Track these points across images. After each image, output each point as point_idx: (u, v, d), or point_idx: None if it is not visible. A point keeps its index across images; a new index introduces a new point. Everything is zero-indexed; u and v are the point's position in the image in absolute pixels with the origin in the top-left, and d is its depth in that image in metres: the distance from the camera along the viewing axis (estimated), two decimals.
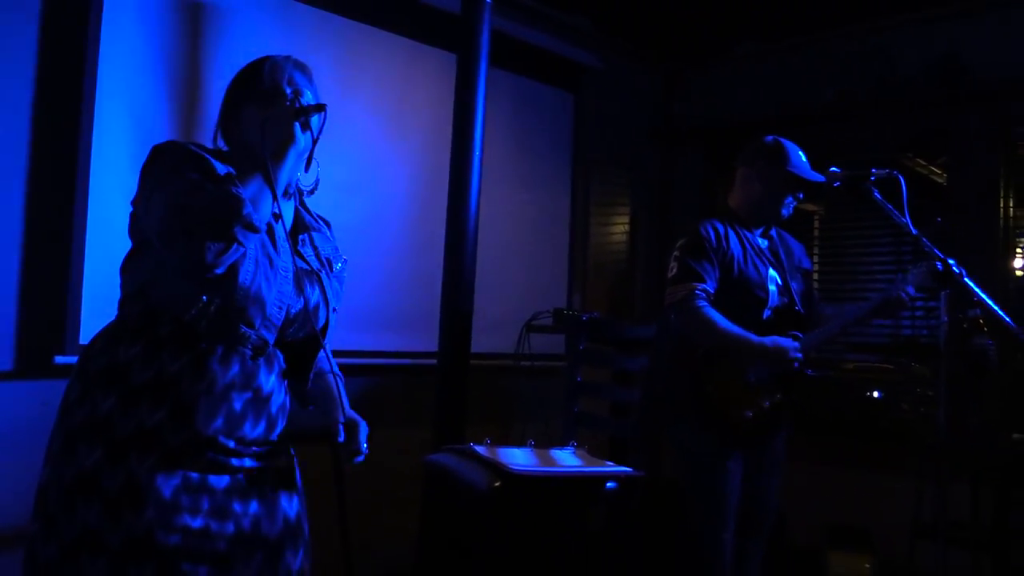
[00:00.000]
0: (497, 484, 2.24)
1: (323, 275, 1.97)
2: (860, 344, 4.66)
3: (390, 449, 4.00)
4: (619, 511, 2.37)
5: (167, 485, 1.70)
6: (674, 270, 3.09)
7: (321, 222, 2.10)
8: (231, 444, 1.78)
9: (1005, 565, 3.51)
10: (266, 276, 1.79)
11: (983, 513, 3.73)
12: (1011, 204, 4.33)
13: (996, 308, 2.62)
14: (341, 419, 1.97)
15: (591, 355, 4.00)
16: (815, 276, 4.79)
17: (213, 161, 1.77)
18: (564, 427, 3.54)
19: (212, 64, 3.42)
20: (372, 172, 3.96)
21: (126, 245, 3.16)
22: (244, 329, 1.78)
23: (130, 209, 1.87)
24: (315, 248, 2.01)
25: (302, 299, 1.88)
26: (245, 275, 1.74)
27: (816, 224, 5.08)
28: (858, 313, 3.15)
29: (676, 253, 3.11)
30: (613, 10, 4.78)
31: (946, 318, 2.68)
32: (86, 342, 3.00)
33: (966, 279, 2.69)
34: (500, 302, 4.25)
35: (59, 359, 3.06)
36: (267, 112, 1.83)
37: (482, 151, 3.48)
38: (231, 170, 1.77)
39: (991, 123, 4.31)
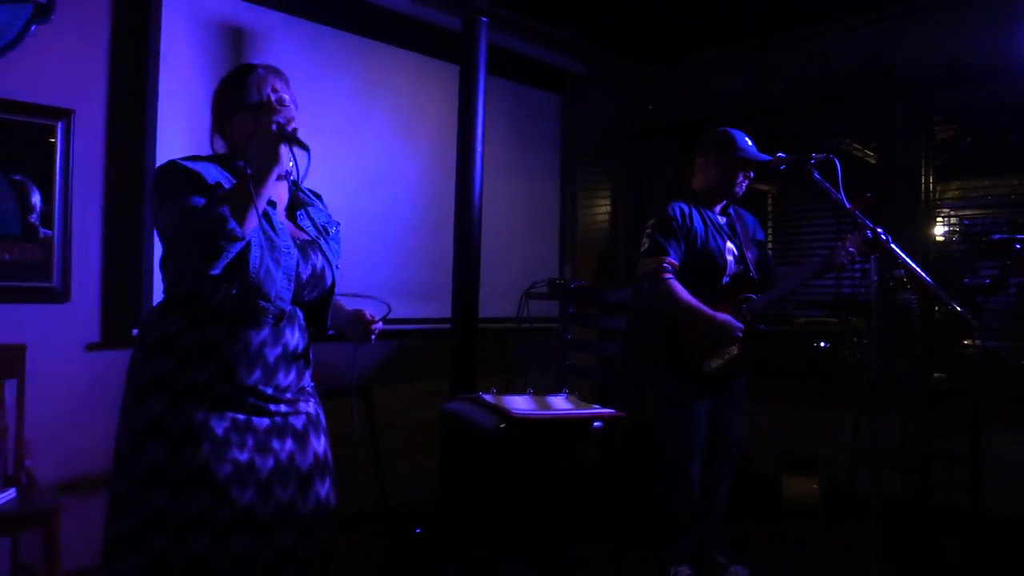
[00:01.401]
0: (502, 426, 2.27)
1: (322, 242, 1.98)
2: (808, 301, 4.70)
3: (412, 400, 4.10)
4: (605, 445, 2.41)
5: (219, 426, 1.77)
6: (646, 245, 3.12)
7: (313, 196, 2.09)
8: (269, 391, 1.84)
9: (928, 482, 3.57)
10: (271, 257, 1.82)
11: (909, 440, 3.79)
12: (931, 181, 4.34)
13: (917, 269, 2.66)
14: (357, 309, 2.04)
15: (580, 317, 4.05)
16: (769, 245, 4.85)
17: (205, 174, 1.78)
18: (558, 377, 3.58)
19: None
20: (390, 167, 3.99)
21: None
22: (262, 303, 1.82)
23: None
24: (312, 220, 2.02)
25: (309, 265, 1.91)
26: (254, 261, 1.77)
27: (769, 201, 5.10)
28: (803, 276, 3.20)
29: (648, 230, 3.14)
30: (594, 23, 4.77)
31: (875, 278, 2.70)
32: None
33: (892, 244, 2.72)
34: (503, 275, 4.28)
35: (136, 331, 3.12)
36: (255, 125, 1.80)
37: (483, 147, 3.50)
38: (220, 178, 1.80)
39: (913, 113, 4.31)
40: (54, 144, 3.01)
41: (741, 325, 3.00)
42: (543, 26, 4.73)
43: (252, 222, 1.71)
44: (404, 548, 3.05)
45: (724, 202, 3.23)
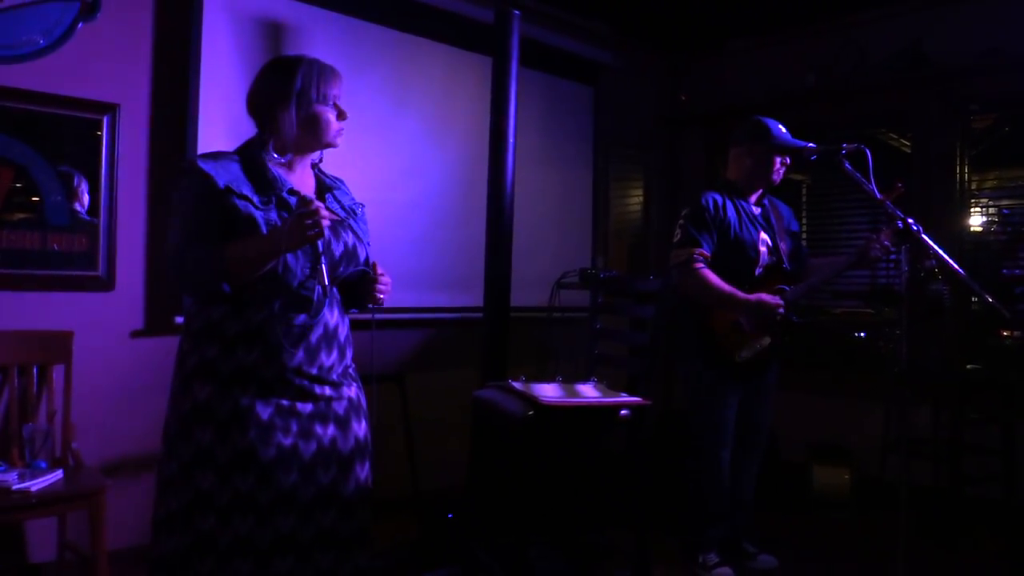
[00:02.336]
0: (530, 413, 2.29)
1: (350, 221, 2.01)
2: (843, 292, 4.66)
3: (445, 386, 4.14)
4: (633, 433, 2.42)
5: (264, 411, 1.81)
6: (678, 235, 3.12)
7: (338, 180, 2.11)
8: (314, 371, 1.87)
9: (959, 473, 3.53)
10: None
11: (942, 431, 3.75)
12: (967, 170, 4.27)
13: (948, 259, 2.63)
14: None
15: (610, 306, 4.05)
16: (804, 235, 4.80)
17: (217, 178, 1.79)
18: (587, 366, 3.59)
19: None
20: (423, 159, 4.01)
21: None
22: (293, 291, 1.85)
23: None
24: (339, 202, 2.04)
25: (341, 243, 1.92)
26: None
27: (804, 192, 5.05)
28: (836, 268, 3.17)
29: (680, 221, 3.14)
30: (627, 14, 4.76)
31: (906, 268, 2.68)
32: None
33: (923, 235, 2.69)
34: (535, 264, 4.29)
35: (179, 319, 3.20)
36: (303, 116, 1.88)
37: (515, 138, 3.51)
38: (233, 182, 1.81)
39: (948, 102, 4.24)
40: (100, 137, 3.08)
41: (781, 301, 2.99)
42: (576, 18, 4.72)
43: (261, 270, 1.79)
44: (437, 533, 3.09)
45: (760, 192, 3.21)
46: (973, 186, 4.27)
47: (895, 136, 4.68)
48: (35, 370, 2.90)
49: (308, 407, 1.88)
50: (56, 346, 2.93)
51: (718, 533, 3.17)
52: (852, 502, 4.00)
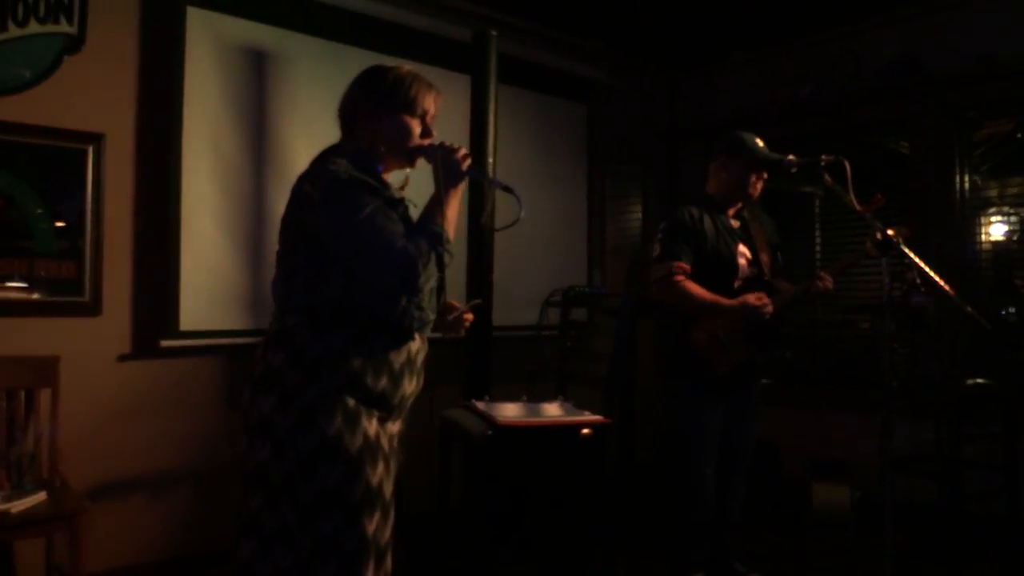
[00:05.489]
0: (489, 433, 2.27)
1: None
2: (840, 304, 4.54)
3: (429, 407, 4.06)
4: (593, 452, 2.36)
5: (384, 441, 1.78)
6: (657, 251, 3.09)
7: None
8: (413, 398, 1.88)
9: (959, 489, 3.40)
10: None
11: (945, 447, 3.61)
12: (966, 179, 4.15)
13: (930, 271, 2.57)
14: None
15: (597, 324, 3.98)
16: (817, 249, 4.70)
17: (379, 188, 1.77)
18: (556, 384, 3.53)
19: (274, 102, 3.53)
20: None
21: (211, 253, 3.27)
22: (422, 312, 1.82)
23: (294, 227, 1.82)
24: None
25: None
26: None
27: (817, 205, 4.95)
28: (788, 300, 3.08)
29: (659, 236, 3.11)
30: (620, 31, 4.73)
31: (887, 280, 2.62)
32: (186, 328, 3.15)
33: (903, 246, 2.63)
34: (528, 283, 4.25)
35: (164, 342, 3.23)
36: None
37: (496, 157, 3.48)
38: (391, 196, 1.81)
39: (945, 109, 4.13)
40: (86, 166, 3.13)
41: (767, 301, 2.95)
42: (566, 36, 4.70)
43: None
44: (419, 556, 3.06)
45: (739, 205, 3.16)
46: (970, 195, 4.14)
47: (902, 143, 4.57)
48: (23, 394, 2.93)
49: (396, 428, 1.87)
50: (43, 371, 2.96)
51: (703, 553, 3.09)
52: (853, 520, 3.87)
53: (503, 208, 2.16)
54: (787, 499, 4.07)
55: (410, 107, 1.85)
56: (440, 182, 1.79)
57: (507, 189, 1.85)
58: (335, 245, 1.73)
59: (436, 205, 1.79)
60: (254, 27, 3.47)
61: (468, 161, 1.84)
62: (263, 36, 3.49)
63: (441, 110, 1.95)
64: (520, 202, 1.80)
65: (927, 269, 2.62)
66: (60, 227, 3.08)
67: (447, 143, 1.87)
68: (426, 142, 1.87)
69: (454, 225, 1.85)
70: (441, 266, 1.78)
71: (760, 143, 3.07)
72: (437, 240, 1.73)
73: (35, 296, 3.02)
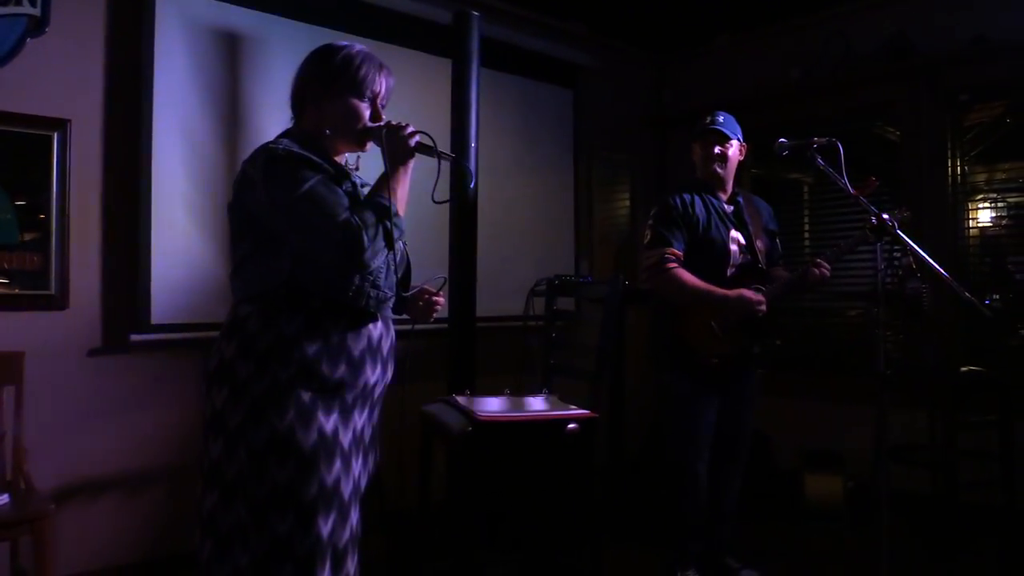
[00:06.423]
0: (469, 429, 2.16)
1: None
2: (836, 291, 4.46)
3: (413, 401, 3.96)
4: (581, 447, 2.26)
5: (345, 438, 1.69)
6: (648, 237, 3.01)
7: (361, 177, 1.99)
8: (380, 388, 1.80)
9: (954, 479, 3.33)
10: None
11: (940, 436, 3.54)
12: (959, 164, 4.06)
13: (927, 256, 2.47)
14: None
15: (584, 313, 3.88)
16: (805, 235, 4.62)
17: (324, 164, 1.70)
18: (541, 376, 3.43)
19: (248, 87, 3.40)
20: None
21: (182, 244, 3.14)
22: (382, 293, 1.75)
23: (239, 212, 1.75)
24: None
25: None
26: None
27: (806, 191, 4.86)
28: (781, 290, 2.98)
29: (649, 222, 3.03)
30: (605, 14, 4.62)
31: (881, 267, 2.52)
32: (158, 322, 3.03)
33: (899, 231, 2.53)
34: (514, 272, 4.15)
35: (134, 337, 3.10)
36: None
37: (479, 142, 3.35)
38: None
39: (937, 92, 4.03)
40: (51, 154, 2.99)
41: (763, 298, 2.83)
42: (550, 19, 4.58)
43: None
44: (403, 553, 2.96)
45: (729, 189, 3.07)
46: (962, 180, 4.05)
47: (892, 129, 4.48)
48: None
49: (362, 421, 1.76)
50: (6, 367, 2.82)
51: (697, 548, 3.01)
52: (846, 511, 3.80)
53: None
54: (779, 490, 3.99)
55: (358, 89, 1.78)
56: (387, 160, 1.72)
57: (455, 160, 1.81)
58: (277, 222, 1.66)
59: (384, 182, 1.72)
60: (227, 9, 3.34)
61: (416, 137, 1.76)
62: (237, 18, 3.36)
63: (393, 91, 1.89)
64: (471, 173, 1.74)
65: (924, 255, 2.52)
66: (24, 217, 2.94)
67: (394, 121, 1.79)
68: (373, 125, 1.78)
69: (404, 203, 1.77)
70: (390, 242, 1.66)
71: (721, 118, 3.03)
72: (384, 213, 1.64)
73: None
